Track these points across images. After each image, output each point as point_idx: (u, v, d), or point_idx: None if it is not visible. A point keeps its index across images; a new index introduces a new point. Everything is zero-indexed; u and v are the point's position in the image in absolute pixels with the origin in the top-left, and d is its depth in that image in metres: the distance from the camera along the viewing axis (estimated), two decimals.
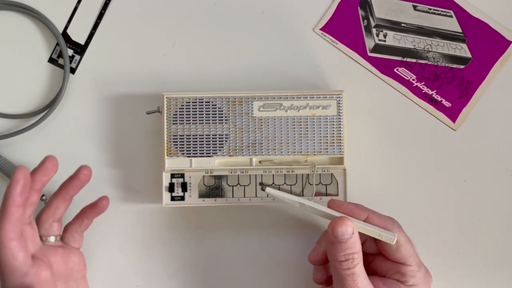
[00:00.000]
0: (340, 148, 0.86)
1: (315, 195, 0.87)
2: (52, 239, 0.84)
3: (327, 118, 0.86)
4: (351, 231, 0.78)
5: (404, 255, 0.80)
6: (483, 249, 0.92)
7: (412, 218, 0.91)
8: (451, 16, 0.94)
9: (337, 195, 0.87)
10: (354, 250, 0.78)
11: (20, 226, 0.76)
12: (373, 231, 0.79)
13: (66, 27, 0.94)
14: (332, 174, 0.87)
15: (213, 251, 0.92)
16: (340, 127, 0.86)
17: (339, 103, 0.86)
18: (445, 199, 0.92)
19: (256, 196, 0.87)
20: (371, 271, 0.84)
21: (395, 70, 0.93)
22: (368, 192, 0.91)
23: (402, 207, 0.92)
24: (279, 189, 0.86)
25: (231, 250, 0.92)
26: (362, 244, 0.81)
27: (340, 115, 0.86)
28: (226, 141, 0.86)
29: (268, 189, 0.84)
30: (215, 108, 0.86)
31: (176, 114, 0.86)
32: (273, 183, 0.86)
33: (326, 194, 0.87)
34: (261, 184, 0.87)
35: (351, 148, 0.89)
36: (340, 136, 0.86)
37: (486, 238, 0.92)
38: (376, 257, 0.84)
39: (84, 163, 0.87)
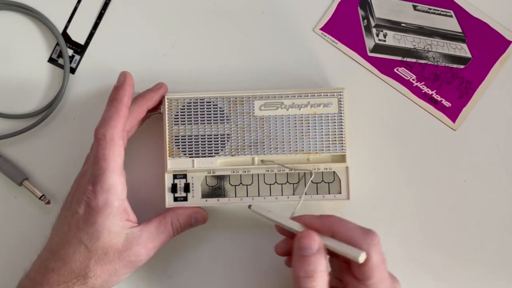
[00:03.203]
0: (342, 146, 0.86)
1: (316, 194, 0.87)
2: None
3: (328, 116, 0.86)
4: (315, 248, 0.75)
5: (367, 276, 0.75)
6: (483, 249, 0.92)
7: (412, 218, 0.92)
8: (451, 16, 0.94)
9: (340, 193, 0.87)
10: (316, 268, 0.75)
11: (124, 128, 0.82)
12: (339, 249, 0.75)
13: (66, 27, 0.94)
14: (334, 172, 0.87)
15: (214, 251, 0.92)
16: (341, 125, 0.86)
17: (340, 101, 0.86)
18: (445, 199, 0.92)
19: (258, 196, 0.87)
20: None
21: (395, 70, 0.93)
22: (368, 192, 0.91)
23: (402, 207, 0.92)
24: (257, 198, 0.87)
25: (232, 250, 0.92)
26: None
27: (341, 113, 0.86)
28: (227, 141, 0.86)
29: (253, 207, 0.84)
30: (216, 108, 0.86)
31: (178, 115, 0.86)
32: (276, 182, 0.86)
33: (329, 192, 0.87)
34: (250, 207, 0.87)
35: (352, 147, 0.89)
36: (342, 134, 0.86)
37: (486, 238, 0.92)
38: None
39: None
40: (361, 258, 0.73)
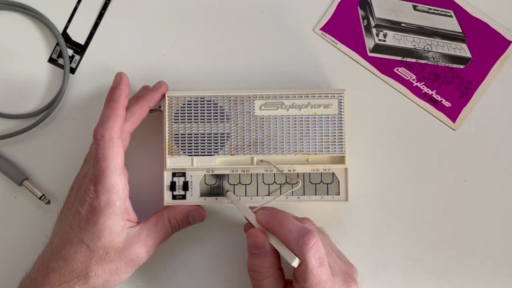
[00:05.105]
0: (342, 147, 0.86)
1: (315, 195, 0.87)
2: None
3: (328, 117, 0.86)
4: (261, 247, 0.78)
5: (301, 279, 0.75)
6: (483, 249, 0.92)
7: (412, 218, 0.92)
8: (451, 16, 0.94)
9: (339, 194, 0.87)
10: (263, 264, 0.78)
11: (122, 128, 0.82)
12: (279, 250, 0.76)
13: (66, 27, 0.94)
14: (333, 173, 0.87)
15: (214, 251, 0.92)
16: (341, 126, 0.86)
17: (341, 102, 0.86)
18: (445, 199, 0.92)
19: (257, 195, 0.87)
20: None
21: (395, 70, 0.93)
22: (368, 192, 0.91)
23: (402, 207, 0.92)
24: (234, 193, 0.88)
25: (231, 250, 0.92)
26: None
27: (341, 114, 0.86)
28: (227, 140, 0.86)
29: (228, 193, 0.87)
30: (217, 107, 0.86)
31: (178, 113, 0.86)
32: (274, 181, 0.86)
33: (328, 193, 0.87)
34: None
35: (352, 148, 0.90)
36: (341, 135, 0.86)
37: (486, 238, 0.92)
38: None
39: None
40: (295, 263, 0.74)
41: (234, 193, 0.87)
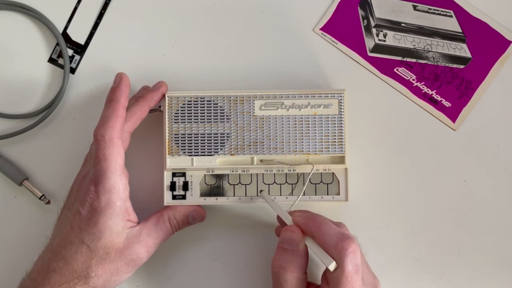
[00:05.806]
0: (342, 147, 0.86)
1: (315, 195, 0.87)
2: None
3: (328, 117, 0.86)
4: (295, 244, 0.77)
5: (334, 284, 0.75)
6: (483, 249, 0.92)
7: (412, 218, 0.92)
8: (451, 16, 0.94)
9: (339, 194, 0.86)
10: (291, 263, 0.77)
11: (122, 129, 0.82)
12: (315, 252, 0.76)
13: (66, 27, 0.94)
14: (333, 173, 0.87)
15: (214, 251, 0.92)
16: (341, 126, 0.86)
17: (341, 102, 0.86)
18: (445, 199, 0.92)
19: (257, 195, 0.86)
20: None
21: (395, 70, 0.93)
22: (368, 192, 0.91)
23: (402, 207, 0.92)
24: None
25: (231, 250, 0.92)
26: None
27: (341, 114, 0.86)
28: (227, 140, 0.86)
29: (262, 193, 0.86)
30: (217, 107, 0.86)
31: (178, 113, 0.86)
32: (274, 181, 0.86)
33: (328, 193, 0.87)
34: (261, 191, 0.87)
35: (352, 148, 0.89)
36: (341, 135, 0.86)
37: (486, 238, 0.92)
38: None
39: None
40: (331, 266, 0.73)
41: (268, 194, 0.87)
